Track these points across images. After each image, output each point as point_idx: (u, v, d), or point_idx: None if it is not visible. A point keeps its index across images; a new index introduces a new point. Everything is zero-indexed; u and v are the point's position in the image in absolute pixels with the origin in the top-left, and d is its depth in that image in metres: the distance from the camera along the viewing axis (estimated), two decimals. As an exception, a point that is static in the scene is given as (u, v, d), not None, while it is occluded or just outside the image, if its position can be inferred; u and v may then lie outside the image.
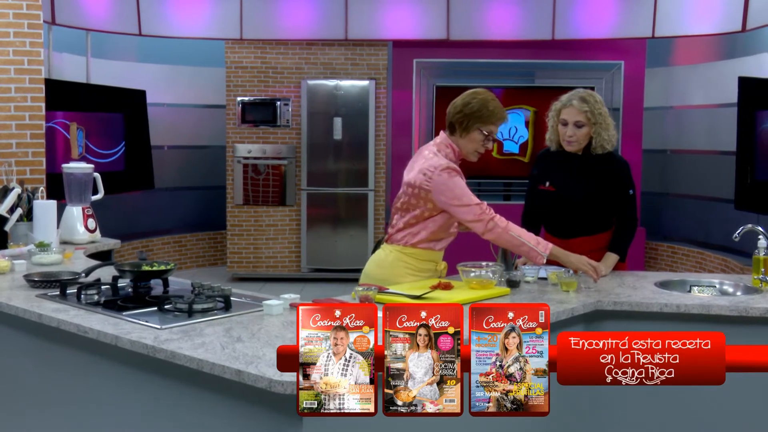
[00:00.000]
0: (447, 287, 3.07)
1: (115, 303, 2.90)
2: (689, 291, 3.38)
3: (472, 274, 3.12)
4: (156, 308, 2.79)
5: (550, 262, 3.64)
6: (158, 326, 2.55)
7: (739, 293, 3.30)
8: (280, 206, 8.51)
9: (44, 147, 4.52)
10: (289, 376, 2.03)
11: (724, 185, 7.80)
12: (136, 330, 2.53)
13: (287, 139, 8.45)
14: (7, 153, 4.44)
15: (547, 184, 3.72)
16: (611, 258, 3.57)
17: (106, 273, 3.42)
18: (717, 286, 3.40)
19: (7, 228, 3.98)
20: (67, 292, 3.05)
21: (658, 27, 7.56)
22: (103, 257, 4.37)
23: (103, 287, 3.06)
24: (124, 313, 2.73)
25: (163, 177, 8.49)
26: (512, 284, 3.21)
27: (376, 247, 3.50)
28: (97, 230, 4.46)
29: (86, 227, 4.39)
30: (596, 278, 3.31)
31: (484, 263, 3.21)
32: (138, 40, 8.08)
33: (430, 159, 3.27)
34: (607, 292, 3.16)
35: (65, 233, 4.31)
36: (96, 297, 2.99)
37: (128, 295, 3.02)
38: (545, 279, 3.36)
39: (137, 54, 8.36)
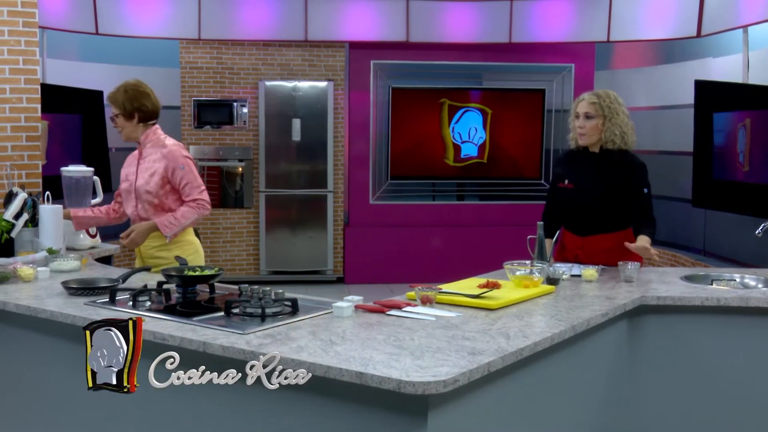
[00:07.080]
0: (496, 286, 3.13)
1: (176, 309, 2.84)
2: (711, 284, 3.54)
3: (518, 273, 3.20)
4: (222, 313, 2.76)
5: (581, 260, 3.77)
6: (240, 331, 2.52)
7: (761, 286, 3.47)
8: (238, 209, 8.41)
9: (40, 149, 4.34)
10: (419, 376, 2.05)
11: (669, 184, 8.13)
12: (220, 336, 2.49)
13: (244, 140, 8.36)
14: (2, 156, 4.23)
15: (566, 181, 3.84)
16: (644, 239, 3.65)
17: (138, 279, 3.37)
18: (737, 279, 3.57)
19: (14, 234, 3.82)
20: (117, 298, 2.97)
21: (613, 31, 7.82)
22: (104, 262, 4.25)
23: (151, 293, 3.00)
24: (194, 319, 2.69)
25: (112, 180, 8.22)
26: (552, 282, 3.30)
27: None
28: (98, 235, 4.34)
29: (87, 232, 4.26)
30: None
31: (527, 262, 3.30)
32: (87, 39, 7.83)
33: None
34: (645, 288, 3.29)
35: (67, 239, 4.16)
36: (148, 303, 2.93)
37: (180, 301, 2.97)
38: (579, 276, 3.46)
39: (87, 54, 8.10)
